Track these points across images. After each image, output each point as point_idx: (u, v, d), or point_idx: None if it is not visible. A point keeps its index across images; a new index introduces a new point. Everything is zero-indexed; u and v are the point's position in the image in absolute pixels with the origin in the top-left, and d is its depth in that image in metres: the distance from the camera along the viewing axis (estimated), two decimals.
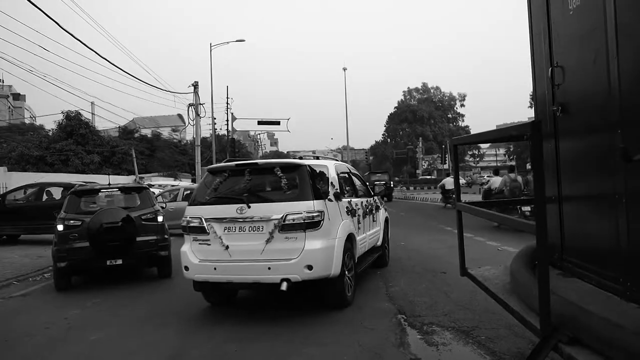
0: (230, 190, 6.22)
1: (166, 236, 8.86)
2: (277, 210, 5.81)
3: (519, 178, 15.05)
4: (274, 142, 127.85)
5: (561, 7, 3.10)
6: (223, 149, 45.72)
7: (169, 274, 8.99)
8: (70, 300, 7.46)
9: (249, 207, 5.88)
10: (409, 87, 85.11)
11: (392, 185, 38.04)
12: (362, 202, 7.78)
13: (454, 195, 19.63)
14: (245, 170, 6.26)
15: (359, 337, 5.08)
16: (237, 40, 36.65)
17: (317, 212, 5.81)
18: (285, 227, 5.74)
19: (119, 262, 8.17)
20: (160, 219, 8.84)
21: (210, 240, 6.02)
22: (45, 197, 14.88)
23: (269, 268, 5.71)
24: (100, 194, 9.29)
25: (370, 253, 8.19)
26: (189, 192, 17.28)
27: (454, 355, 4.55)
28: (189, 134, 55.29)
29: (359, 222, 7.30)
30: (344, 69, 66.48)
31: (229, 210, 5.98)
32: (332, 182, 6.60)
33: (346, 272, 6.31)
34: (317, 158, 7.82)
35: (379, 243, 8.75)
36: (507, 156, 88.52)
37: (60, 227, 8.21)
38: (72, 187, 10.55)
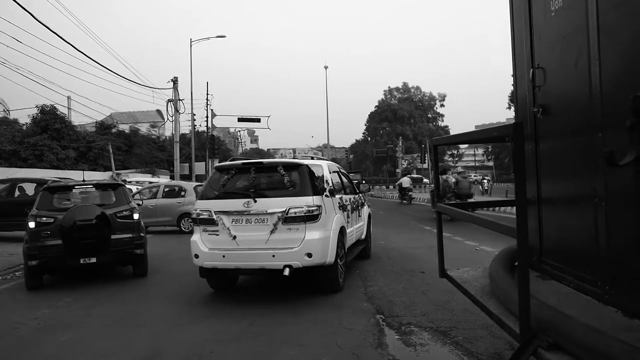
0: (237, 186, 6.85)
1: (142, 234, 8.69)
2: (280, 204, 6.46)
3: (450, 179, 17.71)
4: (254, 140, 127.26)
5: (543, 9, 3.09)
6: (202, 145, 45.26)
7: (145, 272, 8.83)
8: (42, 300, 7.26)
9: (255, 201, 6.52)
10: (389, 87, 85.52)
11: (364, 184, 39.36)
12: (350, 199, 8.47)
13: (409, 193, 22.93)
14: (251, 169, 6.89)
15: (337, 337, 5.04)
16: (217, 36, 36.31)
17: (315, 206, 6.46)
18: (288, 219, 6.39)
19: (93, 260, 7.98)
20: (136, 216, 8.67)
21: (219, 231, 6.62)
22: (17, 193, 14.51)
23: (273, 255, 6.36)
24: (74, 190, 9.06)
25: (356, 245, 8.81)
26: (168, 189, 17.06)
27: (431, 355, 4.54)
28: (167, 130, 54.51)
29: (348, 217, 7.95)
30: (325, 67, 66.48)
31: (236, 204, 6.60)
32: (326, 180, 7.30)
33: (339, 261, 6.94)
34: (312, 158, 8.52)
35: (363, 236, 9.45)
36: (485, 156, 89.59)
37: (32, 224, 7.98)
38: (45, 183, 10.27)
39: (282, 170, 6.70)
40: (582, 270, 2.73)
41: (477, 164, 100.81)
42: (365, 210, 9.92)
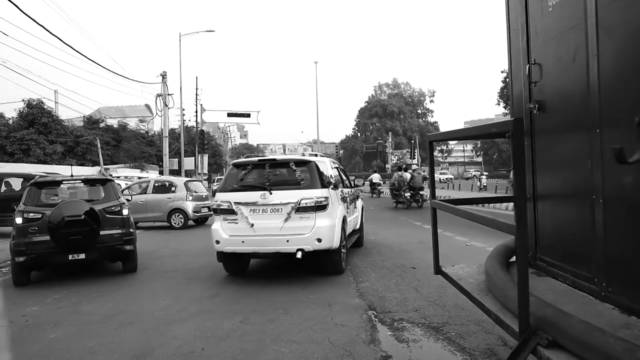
0: (254, 180, 7.63)
1: (131, 230, 8.60)
2: (293, 196, 7.27)
3: (406, 175, 21.35)
4: (244, 135, 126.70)
5: (540, 4, 3.06)
6: (192, 140, 45.00)
7: (135, 268, 8.75)
8: (29, 296, 7.16)
9: (271, 193, 7.31)
10: (379, 82, 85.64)
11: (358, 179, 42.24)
12: (348, 192, 9.30)
13: (379, 187, 27.23)
14: (265, 164, 7.69)
15: (329, 334, 5.02)
16: (207, 31, 36.20)
17: (324, 197, 7.31)
18: (300, 209, 7.21)
19: (82, 256, 7.89)
20: (125, 212, 8.57)
21: (238, 220, 7.39)
22: (4, 188, 14.32)
23: (287, 241, 7.17)
24: (62, 185, 8.94)
25: (353, 234, 9.56)
26: (158, 184, 16.92)
27: (424, 351, 4.53)
28: (156, 125, 54.13)
29: (347, 208, 8.72)
30: (315, 63, 66.26)
31: (253, 196, 7.38)
32: (330, 175, 8.21)
33: (341, 246, 7.75)
34: (316, 155, 9.63)
35: (358, 226, 10.32)
36: (474, 152, 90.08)
37: (19, 220, 7.86)
38: (32, 178, 10.12)
39: (293, 166, 7.54)
40: (578, 267, 2.72)
41: (466, 160, 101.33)
42: (359, 203, 10.73)
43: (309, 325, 5.33)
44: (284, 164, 7.72)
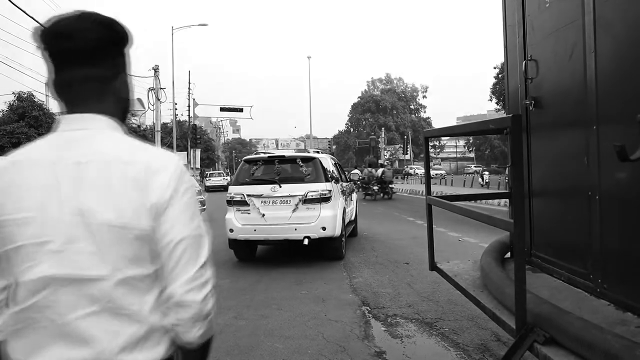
0: (264, 174, 8.40)
1: None
2: (300, 189, 8.05)
3: (378, 171, 24.39)
4: (237, 129, 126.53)
5: (537, 0, 3.05)
6: (184, 135, 44.79)
7: None
8: None
9: (280, 186, 8.07)
10: (372, 77, 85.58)
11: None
12: (346, 185, 10.17)
13: (358, 182, 24.72)
14: (275, 160, 8.44)
15: (323, 329, 5.02)
16: (199, 24, 35.82)
17: (328, 190, 8.12)
18: (307, 200, 7.98)
19: None
20: None
21: (250, 210, 8.11)
22: None
23: (295, 229, 7.95)
24: None
25: (349, 224, 10.16)
26: None
27: (418, 347, 4.55)
28: (148, 119, 53.71)
29: (345, 200, 9.53)
30: (308, 57, 65.99)
31: (264, 189, 8.15)
32: (332, 170, 9.12)
33: (342, 234, 8.56)
34: (318, 152, 10.23)
35: (353, 217, 11.01)
36: (466, 148, 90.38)
37: None
38: None
39: (300, 162, 8.34)
40: (574, 263, 2.73)
41: (458, 155, 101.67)
42: (354, 196, 11.59)
43: (303, 321, 5.34)
44: (292, 160, 8.59)
